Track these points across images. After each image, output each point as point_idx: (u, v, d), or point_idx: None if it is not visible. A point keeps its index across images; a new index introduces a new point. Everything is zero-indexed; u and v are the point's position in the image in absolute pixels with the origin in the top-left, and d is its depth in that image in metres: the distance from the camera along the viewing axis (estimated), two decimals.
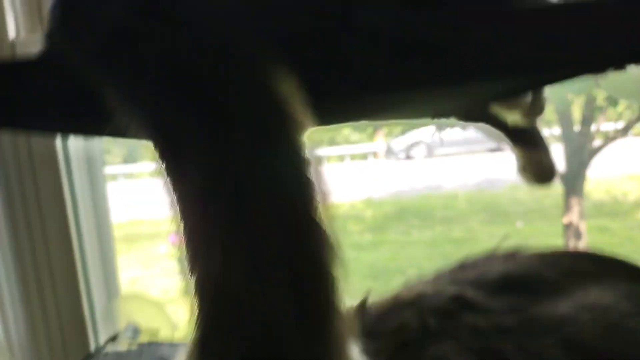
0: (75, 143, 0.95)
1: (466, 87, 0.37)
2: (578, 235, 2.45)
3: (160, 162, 0.31)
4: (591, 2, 0.31)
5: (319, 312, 0.30)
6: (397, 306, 0.54)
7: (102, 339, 0.98)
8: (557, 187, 2.76)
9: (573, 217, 2.48)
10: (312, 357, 0.30)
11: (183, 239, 0.30)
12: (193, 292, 0.29)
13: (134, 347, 0.86)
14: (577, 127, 2.57)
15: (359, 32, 0.33)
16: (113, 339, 0.89)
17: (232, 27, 0.32)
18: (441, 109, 0.52)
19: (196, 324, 0.29)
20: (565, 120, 2.63)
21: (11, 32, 0.92)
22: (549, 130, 2.96)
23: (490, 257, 0.59)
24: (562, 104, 2.36)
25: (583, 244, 2.42)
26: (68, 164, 0.94)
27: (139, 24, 0.30)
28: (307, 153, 0.30)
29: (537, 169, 0.53)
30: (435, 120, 0.56)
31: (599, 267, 0.57)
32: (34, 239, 0.94)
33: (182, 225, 0.30)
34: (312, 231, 0.30)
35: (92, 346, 0.97)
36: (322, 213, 0.29)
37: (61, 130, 0.45)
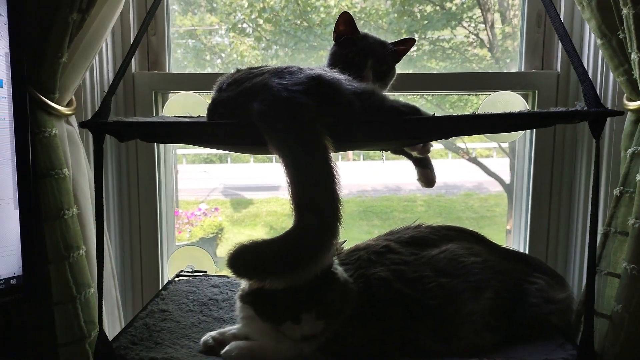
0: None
1: (395, 142, 0.90)
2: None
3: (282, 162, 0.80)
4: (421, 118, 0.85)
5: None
6: (357, 250, 1.08)
7: (166, 276, 1.48)
8: (505, 197, 3.19)
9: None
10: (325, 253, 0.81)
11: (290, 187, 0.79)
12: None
13: (194, 279, 1.36)
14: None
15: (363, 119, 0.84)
16: (179, 274, 1.39)
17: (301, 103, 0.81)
18: (386, 148, 1.07)
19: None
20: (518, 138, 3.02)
21: (133, 68, 1.41)
22: (500, 145, 3.39)
23: (407, 227, 1.14)
24: None
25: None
26: (159, 164, 1.44)
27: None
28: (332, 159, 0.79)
29: (426, 179, 1.08)
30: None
31: (458, 233, 1.12)
32: (132, 213, 1.44)
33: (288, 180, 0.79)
34: (334, 198, 0.80)
35: (160, 280, 1.46)
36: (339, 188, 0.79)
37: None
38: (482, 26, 2.69)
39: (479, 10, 2.68)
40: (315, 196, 0.79)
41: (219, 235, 3.53)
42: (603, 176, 1.21)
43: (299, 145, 0.80)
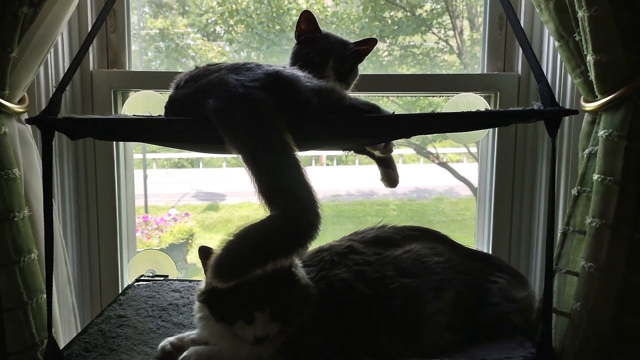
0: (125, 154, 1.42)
1: (356, 141, 0.89)
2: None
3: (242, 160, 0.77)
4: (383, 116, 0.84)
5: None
6: (320, 251, 1.06)
7: (126, 281, 1.43)
8: (474, 201, 3.21)
9: None
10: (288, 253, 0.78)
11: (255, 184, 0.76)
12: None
13: (155, 283, 1.32)
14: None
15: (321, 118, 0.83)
16: (139, 279, 1.34)
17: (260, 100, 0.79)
18: (348, 147, 1.06)
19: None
20: (480, 140, 3.11)
21: (91, 65, 1.37)
22: (469, 149, 3.46)
23: (371, 228, 1.13)
24: None
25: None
26: (119, 172, 1.41)
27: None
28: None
29: (389, 178, 1.08)
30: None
31: (421, 233, 1.12)
32: (90, 216, 1.40)
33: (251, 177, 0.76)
34: (303, 182, 0.75)
35: (120, 285, 1.42)
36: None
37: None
38: (451, 32, 2.74)
39: (449, 17, 2.72)
40: (283, 185, 0.76)
41: (190, 241, 3.48)
42: (562, 176, 1.23)
43: (257, 142, 0.78)
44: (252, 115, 0.78)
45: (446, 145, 3.70)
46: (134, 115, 1.25)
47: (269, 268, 0.75)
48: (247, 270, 0.75)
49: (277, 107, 0.79)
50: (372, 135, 0.83)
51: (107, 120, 0.82)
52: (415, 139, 3.22)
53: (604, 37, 0.98)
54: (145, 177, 3.27)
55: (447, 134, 1.37)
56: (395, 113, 0.84)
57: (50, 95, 1.25)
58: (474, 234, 1.53)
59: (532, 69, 0.86)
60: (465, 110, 1.28)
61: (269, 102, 0.79)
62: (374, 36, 1.12)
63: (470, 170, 3.42)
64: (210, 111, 0.79)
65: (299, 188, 0.76)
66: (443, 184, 4.17)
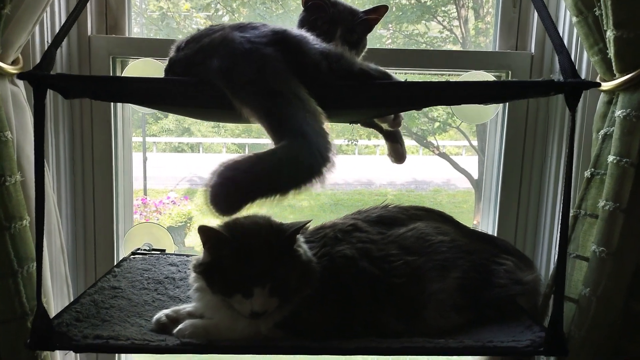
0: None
1: (367, 110, 0.84)
2: None
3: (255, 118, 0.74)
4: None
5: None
6: (322, 228, 1.03)
7: (122, 254, 1.40)
8: (472, 194, 3.21)
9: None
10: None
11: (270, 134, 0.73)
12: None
13: (151, 257, 1.28)
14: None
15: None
16: (135, 252, 1.31)
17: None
18: (356, 119, 1.02)
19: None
20: (482, 132, 3.12)
21: (89, 30, 1.32)
22: (470, 142, 3.44)
23: (375, 207, 1.10)
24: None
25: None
26: (116, 141, 1.36)
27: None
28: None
29: (396, 154, 1.04)
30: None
31: (426, 213, 1.08)
32: (86, 186, 1.36)
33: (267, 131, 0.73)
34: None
35: (116, 258, 1.38)
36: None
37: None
38: (456, 22, 2.69)
39: (454, 6, 2.68)
40: (295, 126, 0.72)
41: (188, 224, 3.46)
42: (574, 158, 1.19)
43: (269, 97, 0.73)
44: (262, 71, 0.73)
45: (445, 138, 3.68)
46: None
47: (269, 199, 0.71)
48: (246, 199, 0.71)
49: (286, 62, 0.75)
50: (384, 103, 0.79)
51: (101, 78, 0.78)
52: (416, 129, 3.20)
53: (626, 12, 0.94)
54: (145, 159, 3.23)
55: (456, 113, 1.33)
56: (407, 80, 0.80)
57: None
58: (472, 226, 1.49)
59: (552, 40, 0.82)
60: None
61: (278, 57, 0.75)
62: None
63: (470, 163, 3.40)
64: (215, 72, 0.75)
65: (313, 130, 0.71)
66: (441, 176, 4.15)
